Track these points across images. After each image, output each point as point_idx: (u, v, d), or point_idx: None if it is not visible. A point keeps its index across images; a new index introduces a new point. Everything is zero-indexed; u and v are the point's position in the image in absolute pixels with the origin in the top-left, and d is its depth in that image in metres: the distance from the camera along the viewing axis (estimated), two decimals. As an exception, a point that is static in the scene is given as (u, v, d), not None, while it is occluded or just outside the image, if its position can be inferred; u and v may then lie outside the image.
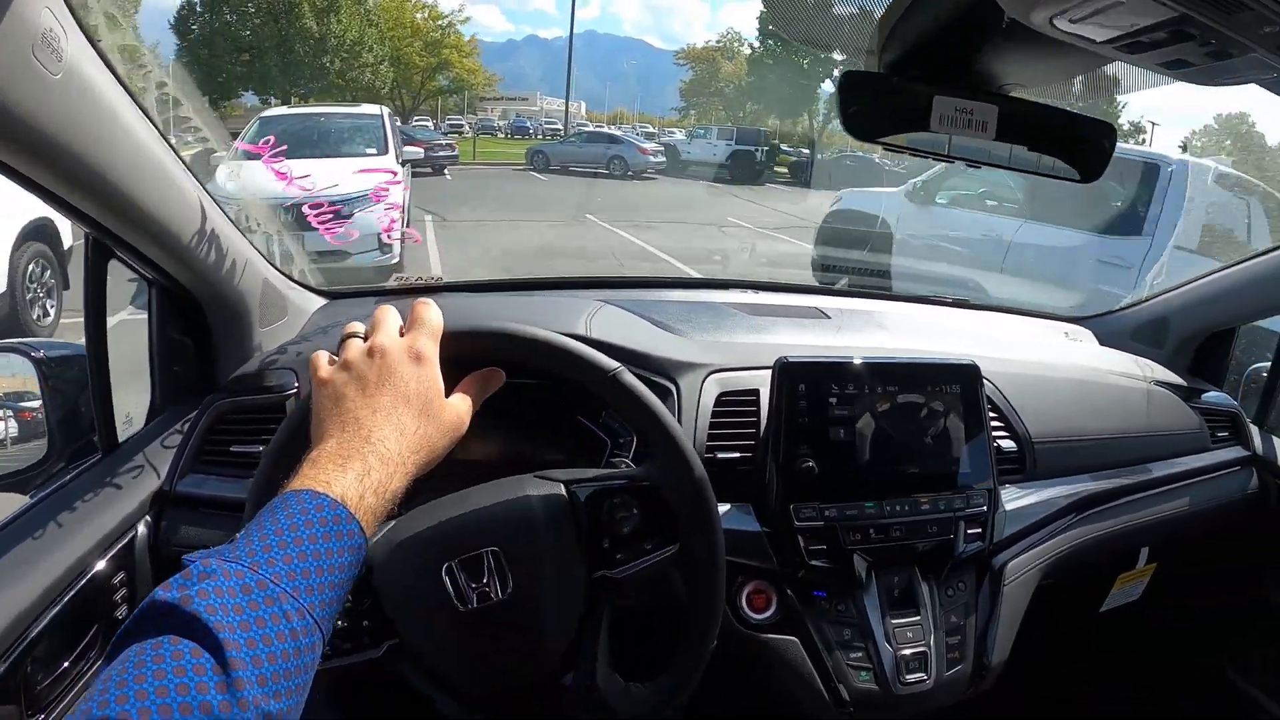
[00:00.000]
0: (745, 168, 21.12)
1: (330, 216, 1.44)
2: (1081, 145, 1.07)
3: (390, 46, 29.25)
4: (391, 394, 0.72)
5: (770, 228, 12.10)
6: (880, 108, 1.02)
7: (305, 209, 1.44)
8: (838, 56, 1.15)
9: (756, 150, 22.05)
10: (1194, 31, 0.68)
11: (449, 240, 8.55)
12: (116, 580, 1.04)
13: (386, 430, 0.69)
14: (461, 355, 0.82)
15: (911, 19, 0.94)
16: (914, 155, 1.09)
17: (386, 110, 8.13)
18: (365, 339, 0.78)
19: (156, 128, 0.97)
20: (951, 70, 1.00)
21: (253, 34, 26.88)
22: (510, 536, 0.86)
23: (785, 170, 22.79)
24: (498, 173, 20.16)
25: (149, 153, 0.96)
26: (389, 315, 0.80)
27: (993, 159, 1.06)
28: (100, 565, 1.00)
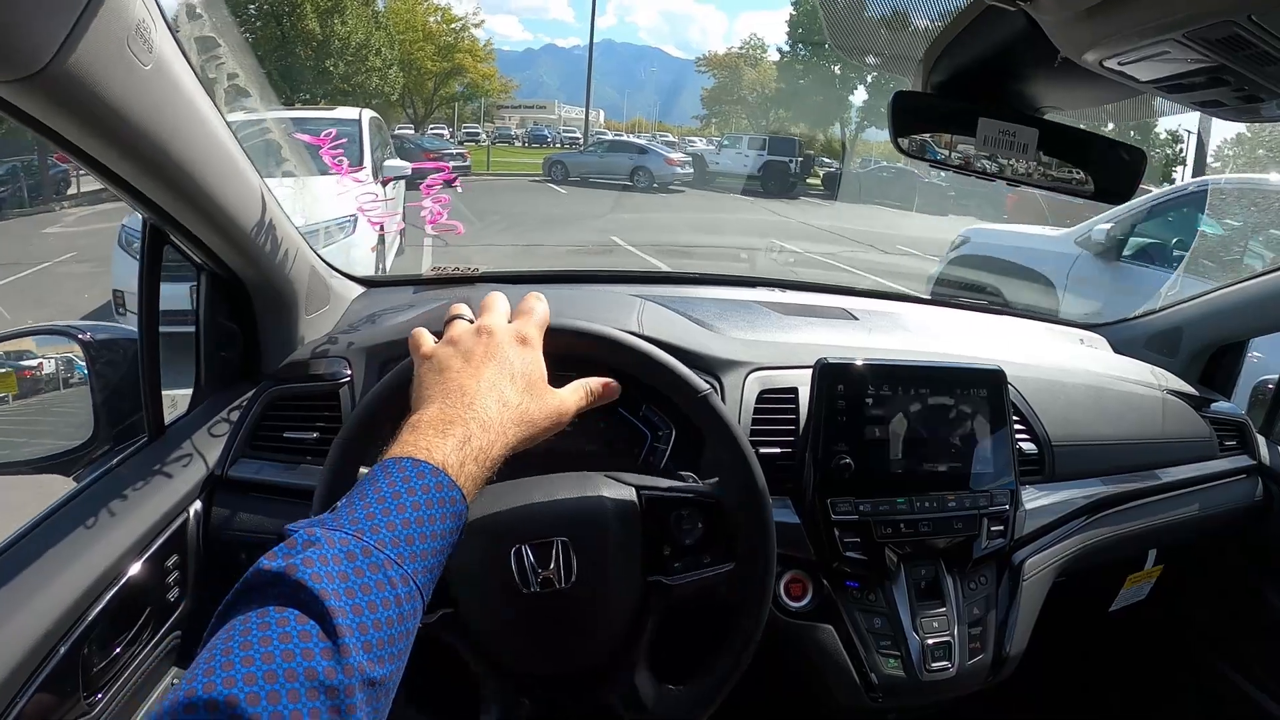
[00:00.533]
0: (779, 179, 20.50)
1: (380, 208, 1.49)
2: (1115, 168, 1.12)
3: (400, 50, 27.97)
4: (496, 368, 0.74)
5: (822, 253, 10.98)
6: (929, 127, 1.07)
7: (356, 198, 1.48)
8: (872, 64, 1.18)
9: (790, 161, 21.22)
10: (1229, 79, 0.73)
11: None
12: (170, 563, 1.06)
13: (489, 400, 0.70)
14: (559, 351, 0.84)
15: (965, 42, 0.98)
16: (958, 173, 1.14)
17: (368, 115, 7.41)
18: (471, 322, 0.81)
19: (224, 118, 0.99)
20: (994, 91, 1.06)
21: (252, 36, 25.77)
22: (581, 530, 0.91)
23: (818, 182, 22.39)
24: (513, 183, 19.35)
25: (221, 143, 0.98)
26: (498, 300, 0.83)
27: (1031, 179, 1.12)
28: (153, 549, 1.02)
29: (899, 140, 1.06)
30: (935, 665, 1.17)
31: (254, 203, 1.12)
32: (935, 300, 2.01)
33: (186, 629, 1.11)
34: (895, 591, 1.20)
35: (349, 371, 1.25)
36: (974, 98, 1.05)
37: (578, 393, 0.82)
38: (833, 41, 1.17)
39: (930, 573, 1.22)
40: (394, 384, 0.91)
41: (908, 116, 1.07)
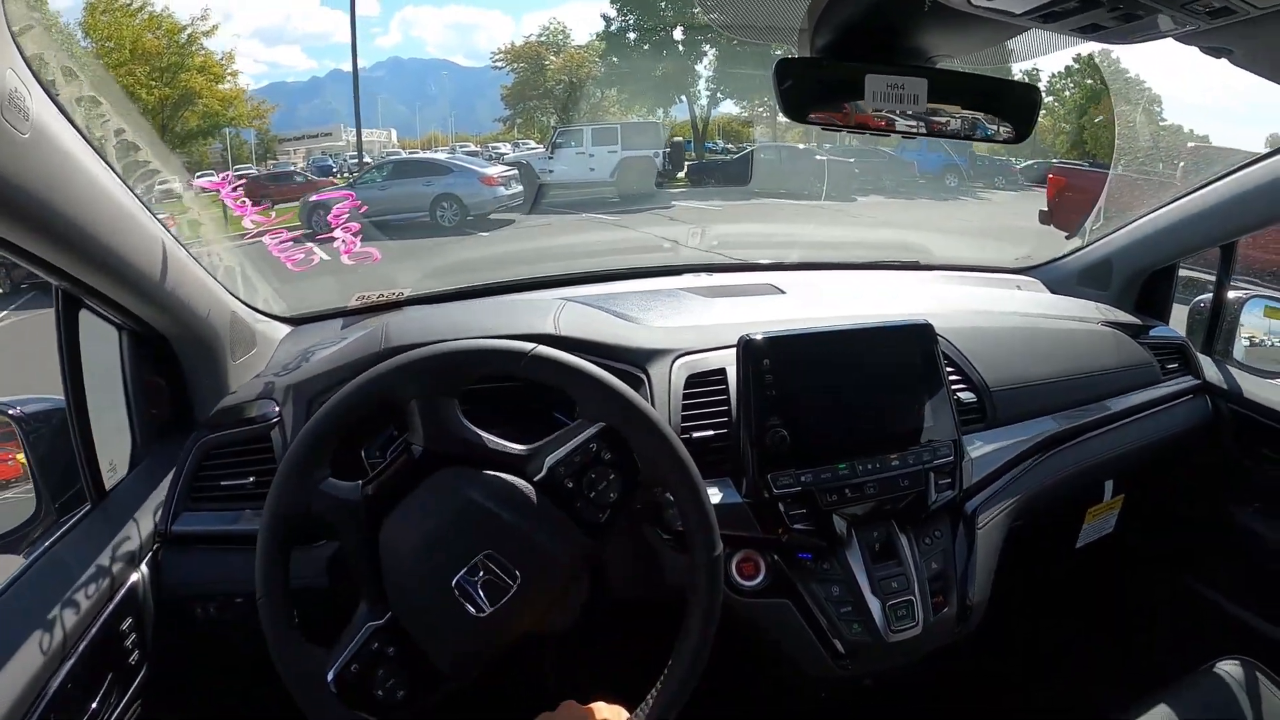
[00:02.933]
0: (641, 178, 14.63)
1: (290, 244, 1.47)
2: (1010, 108, 1.12)
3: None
4: None
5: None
6: (815, 90, 1.06)
7: (265, 239, 1.46)
8: (753, 36, 1.18)
9: (656, 155, 15.36)
10: None
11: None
12: (125, 627, 1.05)
13: None
14: (411, 395, 0.90)
15: (838, 4, 0.98)
16: (853, 132, 1.14)
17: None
18: None
19: (118, 175, 0.98)
20: (881, 48, 1.05)
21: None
22: (495, 535, 0.91)
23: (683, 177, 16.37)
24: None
25: (115, 201, 0.97)
26: None
27: (929, 129, 1.12)
28: (105, 616, 1.01)
29: (787, 107, 1.06)
30: (900, 625, 1.17)
31: (158, 256, 1.10)
32: (864, 265, 2.01)
33: (151, 691, 1.10)
34: (849, 557, 1.19)
35: (278, 411, 1.23)
36: (861, 57, 1.05)
37: None
38: (708, 16, 1.16)
39: (883, 534, 1.22)
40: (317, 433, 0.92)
41: (794, 83, 1.06)
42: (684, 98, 22.92)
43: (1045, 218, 9.04)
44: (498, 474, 0.94)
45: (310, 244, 1.48)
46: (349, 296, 1.59)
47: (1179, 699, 1.28)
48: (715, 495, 1.16)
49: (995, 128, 1.12)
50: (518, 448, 0.96)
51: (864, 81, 1.04)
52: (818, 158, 15.59)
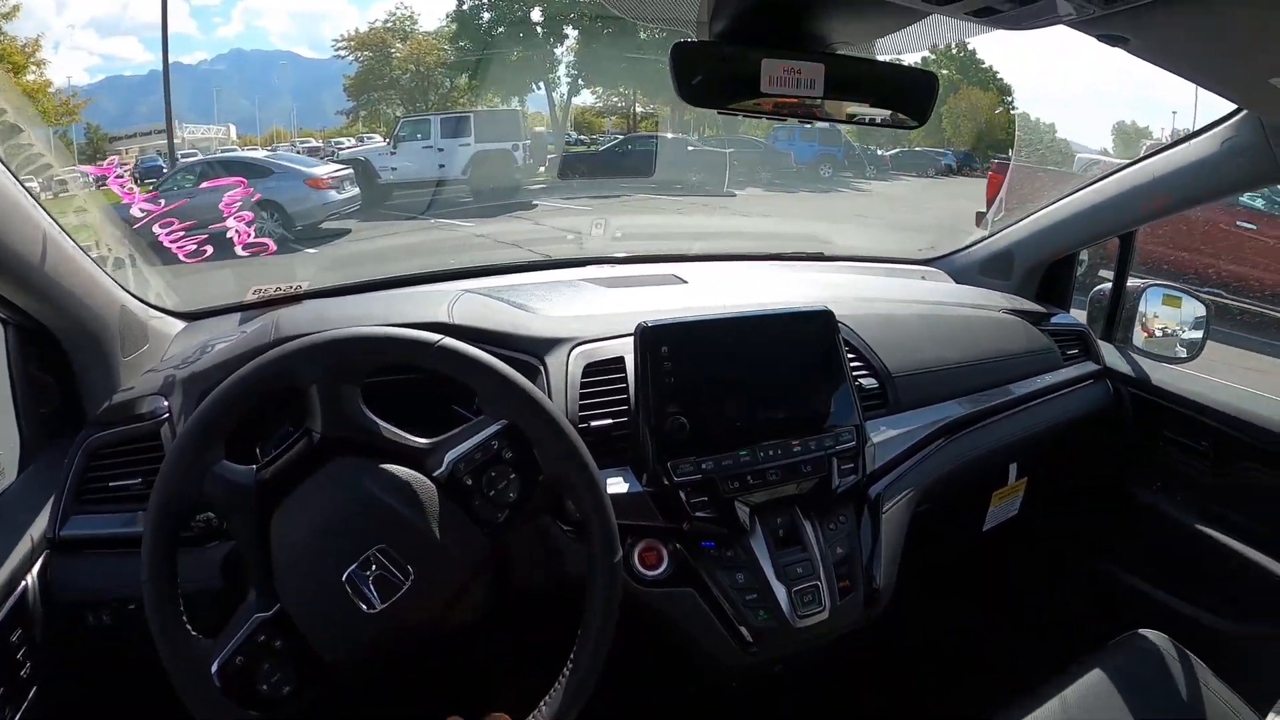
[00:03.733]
0: (499, 174, 12.64)
1: (182, 234, 1.41)
2: (907, 94, 1.13)
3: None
4: None
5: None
6: (713, 75, 1.06)
7: (156, 228, 1.41)
8: (652, 23, 1.17)
9: (516, 147, 13.22)
10: None
11: None
12: (15, 638, 1.01)
13: None
14: (313, 379, 0.88)
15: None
16: (749, 117, 1.14)
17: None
18: None
19: (2, 162, 0.95)
20: (780, 34, 1.05)
21: None
22: (382, 526, 0.89)
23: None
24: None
25: None
26: None
27: (826, 115, 1.12)
28: None
29: (684, 90, 1.05)
30: (806, 611, 1.17)
31: (45, 245, 1.07)
32: (769, 256, 2.02)
33: (43, 705, 1.05)
34: (754, 544, 1.19)
35: (167, 407, 1.19)
36: (760, 42, 1.05)
37: None
38: (607, 2, 1.15)
39: (787, 520, 1.22)
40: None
41: (691, 68, 1.05)
42: (541, 85, 20.90)
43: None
44: (396, 467, 0.92)
45: (202, 234, 1.43)
46: (245, 290, 1.54)
47: (1088, 673, 1.31)
48: (617, 485, 1.15)
49: (893, 113, 1.13)
50: (419, 441, 0.94)
51: (761, 66, 1.04)
52: (690, 149, 14.89)
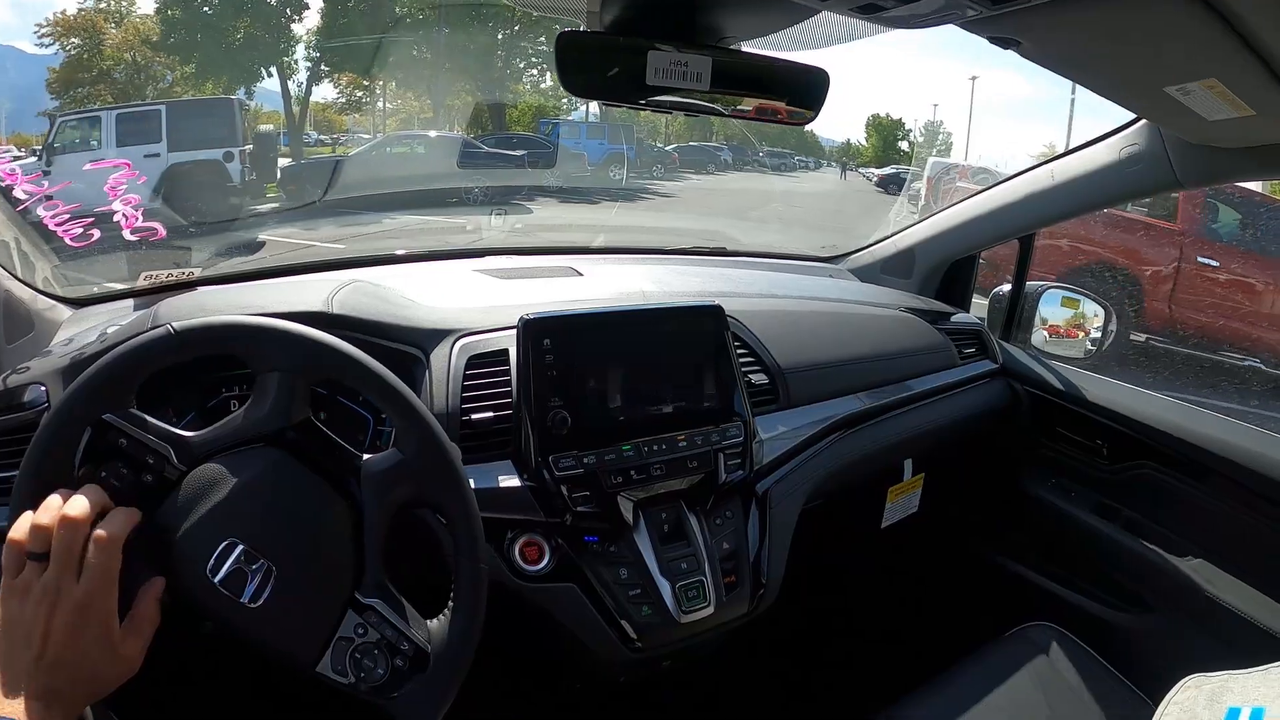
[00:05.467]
0: (203, 194, 8.90)
1: (67, 217, 1.37)
2: (797, 89, 1.14)
3: None
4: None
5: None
6: (596, 66, 1.05)
7: (40, 211, 1.36)
8: (539, 10, 1.16)
9: (229, 154, 9.56)
10: None
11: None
12: None
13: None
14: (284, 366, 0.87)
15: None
16: (633, 109, 1.13)
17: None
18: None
19: None
20: (668, 26, 1.05)
21: None
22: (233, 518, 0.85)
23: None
24: None
25: None
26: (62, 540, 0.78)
27: (711, 108, 1.12)
28: None
29: (567, 81, 1.04)
30: (691, 606, 1.17)
31: None
32: (670, 251, 2.03)
33: None
34: (637, 539, 1.18)
35: (47, 394, 1.13)
36: (647, 33, 1.04)
37: (135, 635, 0.80)
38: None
39: (672, 515, 1.21)
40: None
41: (575, 56, 1.05)
42: (273, 70, 16.79)
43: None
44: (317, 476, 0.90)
45: (88, 217, 1.39)
46: (137, 275, 1.49)
47: (985, 662, 1.34)
48: (498, 480, 1.14)
49: (780, 109, 1.14)
50: (354, 452, 0.92)
51: (647, 58, 1.03)
52: (476, 150, 12.36)
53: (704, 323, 1.27)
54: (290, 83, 17.08)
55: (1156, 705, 0.83)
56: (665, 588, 1.17)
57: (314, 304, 1.16)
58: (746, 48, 1.12)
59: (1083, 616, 1.66)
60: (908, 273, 1.90)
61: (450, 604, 0.92)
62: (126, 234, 1.42)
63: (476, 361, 1.21)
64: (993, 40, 0.95)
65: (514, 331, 1.20)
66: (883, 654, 1.91)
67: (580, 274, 1.58)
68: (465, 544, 0.93)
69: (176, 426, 0.91)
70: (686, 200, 14.41)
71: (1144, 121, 1.48)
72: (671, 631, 1.17)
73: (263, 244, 6.87)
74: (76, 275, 1.54)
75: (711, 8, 1.05)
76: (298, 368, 0.89)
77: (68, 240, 1.39)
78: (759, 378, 1.38)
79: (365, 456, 0.92)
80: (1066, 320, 1.85)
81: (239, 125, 10.18)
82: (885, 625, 1.96)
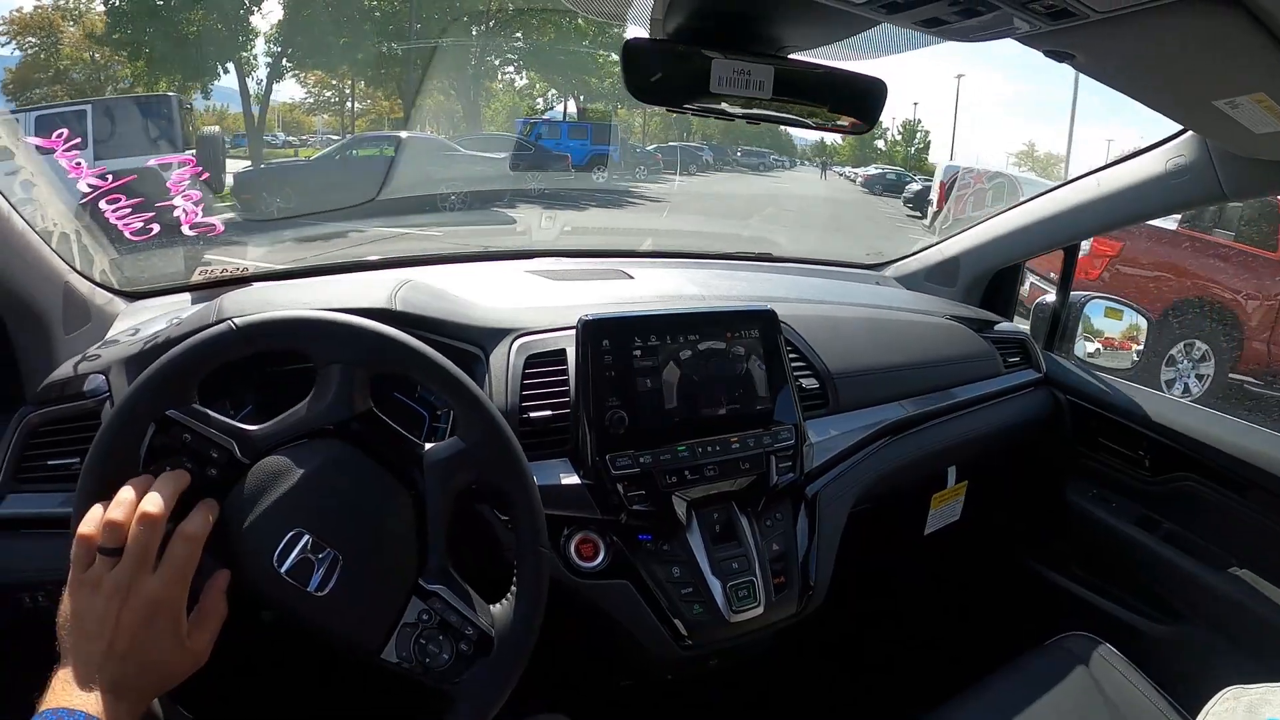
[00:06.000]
0: None
1: (129, 211, 1.40)
2: (855, 100, 1.15)
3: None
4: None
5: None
6: (661, 73, 1.07)
7: (103, 204, 1.39)
8: (603, 16, 1.18)
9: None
10: None
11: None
12: None
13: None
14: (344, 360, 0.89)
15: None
16: (697, 115, 1.15)
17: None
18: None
19: None
20: (731, 35, 1.07)
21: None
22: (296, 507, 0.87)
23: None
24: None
25: None
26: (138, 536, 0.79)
27: (774, 116, 1.14)
28: None
29: (633, 86, 1.06)
30: (741, 606, 1.18)
31: None
32: (717, 256, 2.04)
33: None
34: (690, 538, 1.20)
35: (108, 385, 1.16)
36: (710, 42, 1.06)
37: (203, 628, 0.81)
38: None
39: (724, 515, 1.23)
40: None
41: (641, 62, 1.07)
42: (231, 67, 15.86)
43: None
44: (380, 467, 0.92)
45: (149, 212, 1.42)
46: (193, 270, 1.52)
47: (1024, 671, 1.35)
48: (555, 477, 1.16)
49: (838, 118, 1.16)
50: (416, 442, 0.94)
51: (711, 66, 1.05)
52: (453, 153, 11.85)
53: (757, 326, 1.29)
54: (249, 80, 16.24)
55: (1195, 717, 0.84)
56: (716, 587, 1.18)
57: (378, 301, 1.19)
58: (803, 57, 1.14)
59: (1121, 627, 1.66)
60: (952, 281, 1.91)
61: (513, 590, 0.94)
62: (185, 229, 1.46)
63: (535, 360, 1.23)
64: (1047, 54, 0.97)
65: (571, 332, 1.22)
66: (924, 659, 1.91)
67: (631, 277, 1.60)
68: (527, 529, 0.95)
69: (235, 419, 0.94)
70: (676, 205, 13.92)
71: (1190, 133, 1.48)
72: (721, 630, 1.18)
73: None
74: (133, 269, 1.57)
75: (774, 18, 1.07)
76: (360, 360, 0.91)
77: (127, 234, 1.43)
78: (809, 382, 1.40)
79: (427, 445, 0.94)
80: (1112, 331, 1.86)
81: (178, 127, 9.36)
82: (926, 631, 1.96)
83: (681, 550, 1.19)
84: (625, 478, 1.16)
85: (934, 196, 13.08)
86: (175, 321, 1.24)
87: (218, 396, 1.16)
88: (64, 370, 1.21)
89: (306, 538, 0.84)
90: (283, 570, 0.83)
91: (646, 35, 1.11)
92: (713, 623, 1.17)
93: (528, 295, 1.41)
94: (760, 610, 1.19)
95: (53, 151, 1.35)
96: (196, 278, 1.51)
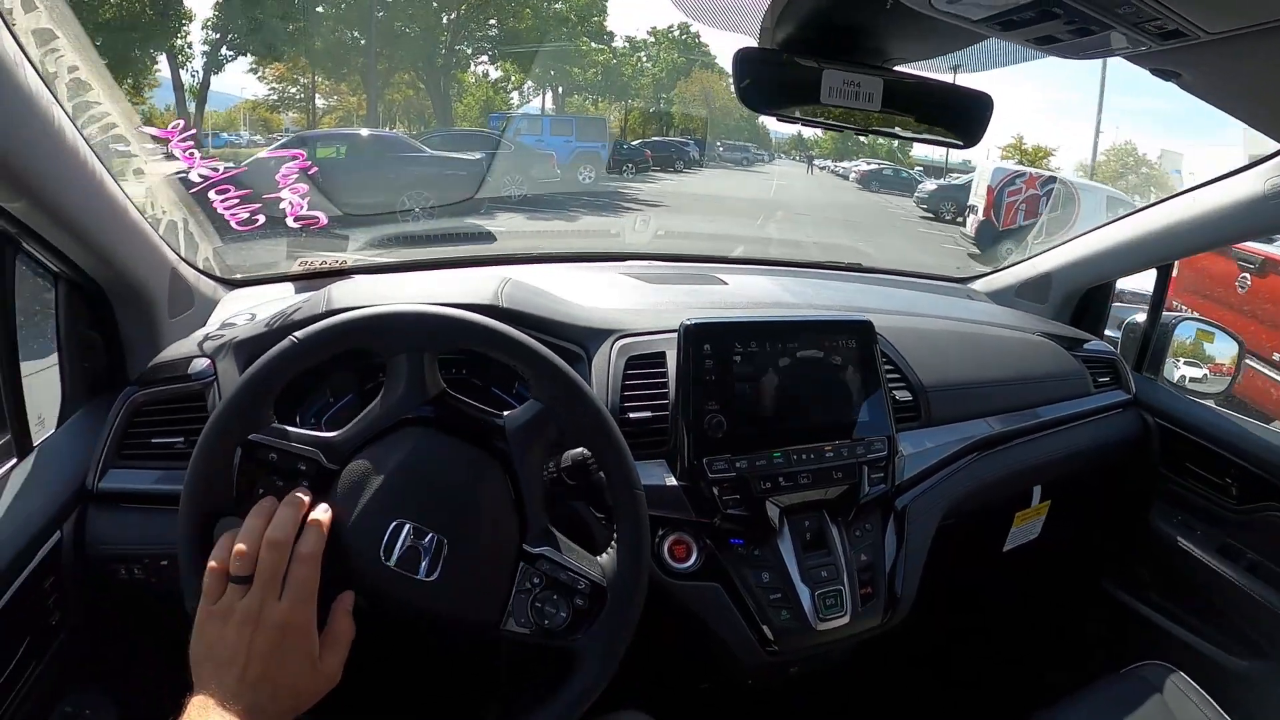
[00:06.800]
0: None
1: (236, 202, 1.44)
2: (961, 114, 1.15)
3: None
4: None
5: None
6: (773, 82, 1.09)
7: (212, 194, 1.43)
8: (713, 22, 1.19)
9: None
10: (1059, 10, 0.76)
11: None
12: (47, 585, 1.03)
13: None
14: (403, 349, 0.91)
15: (801, -1, 1.00)
16: (805, 125, 1.16)
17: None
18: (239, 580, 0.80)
19: (68, 114, 0.96)
20: (840, 46, 1.08)
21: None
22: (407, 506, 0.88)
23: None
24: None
25: (63, 139, 0.95)
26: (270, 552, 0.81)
27: (879, 129, 1.14)
28: (26, 575, 0.98)
29: (744, 94, 1.08)
30: (828, 614, 1.19)
31: (102, 202, 1.09)
32: (807, 264, 2.04)
33: (71, 653, 1.08)
34: (781, 545, 1.21)
35: (213, 370, 1.21)
36: (820, 52, 1.07)
37: (333, 650, 0.83)
38: (675, 6, 1.17)
39: (815, 524, 1.23)
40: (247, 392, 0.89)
41: (752, 71, 1.08)
42: (163, 58, 13.81)
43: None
44: (466, 444, 0.93)
45: (256, 204, 1.46)
46: (293, 261, 1.57)
47: (1097, 701, 1.32)
48: (652, 478, 1.17)
49: (944, 131, 1.16)
50: (496, 415, 0.95)
51: (821, 77, 1.06)
52: (417, 155, 11.03)
53: (855, 337, 1.29)
54: (184, 72, 14.48)
55: None
56: (805, 594, 1.19)
57: (484, 296, 1.22)
58: (912, 69, 1.14)
59: (1199, 658, 1.62)
60: (1043, 297, 1.88)
61: (615, 541, 0.95)
62: (290, 221, 1.50)
63: (635, 362, 1.25)
64: (1154, 71, 0.96)
65: (670, 335, 1.24)
66: (1002, 676, 1.89)
67: (725, 282, 1.61)
68: (618, 476, 0.96)
69: (332, 409, 0.95)
70: (674, 207, 13.17)
71: (1291, 152, 1.45)
72: (807, 638, 1.18)
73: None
74: (234, 257, 1.62)
75: (885, 30, 1.07)
76: (422, 345, 0.92)
77: (234, 224, 1.48)
78: (902, 394, 1.40)
79: (505, 414, 0.95)
80: (1203, 354, 1.82)
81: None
82: (1004, 649, 1.94)
83: (772, 556, 1.20)
84: (721, 481, 1.17)
85: (975, 201, 12.48)
86: (289, 308, 1.28)
87: (311, 392, 1.20)
88: (171, 352, 1.26)
89: (408, 527, 0.86)
90: (391, 563, 0.85)
91: (755, 44, 1.11)
92: (799, 630, 1.18)
93: (626, 297, 1.44)
94: (846, 620, 1.20)
95: (168, 141, 1.40)
96: (296, 268, 1.55)
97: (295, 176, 1.44)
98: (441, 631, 0.91)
